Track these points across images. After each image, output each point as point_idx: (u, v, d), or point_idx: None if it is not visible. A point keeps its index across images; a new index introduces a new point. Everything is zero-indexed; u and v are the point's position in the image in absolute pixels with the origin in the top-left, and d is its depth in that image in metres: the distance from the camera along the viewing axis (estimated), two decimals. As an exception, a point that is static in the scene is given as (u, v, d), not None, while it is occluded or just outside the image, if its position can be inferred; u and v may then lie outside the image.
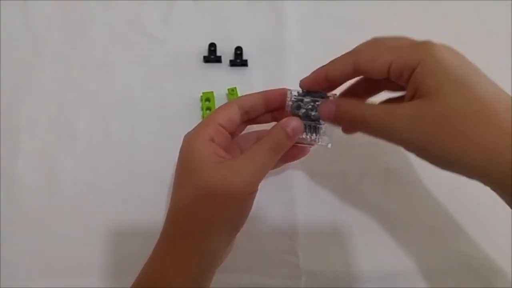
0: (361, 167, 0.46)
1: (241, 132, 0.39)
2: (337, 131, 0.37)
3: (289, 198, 0.45)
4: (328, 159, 0.46)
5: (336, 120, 0.34)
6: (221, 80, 0.49)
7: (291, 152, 0.36)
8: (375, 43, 0.34)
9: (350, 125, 0.34)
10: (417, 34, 0.53)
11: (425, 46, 0.30)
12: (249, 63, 0.50)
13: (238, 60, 0.50)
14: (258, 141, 0.34)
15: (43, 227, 0.43)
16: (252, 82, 0.49)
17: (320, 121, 0.35)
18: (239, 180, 0.32)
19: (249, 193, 0.33)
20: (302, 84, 0.36)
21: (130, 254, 0.42)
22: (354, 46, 0.46)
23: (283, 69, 0.50)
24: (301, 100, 0.36)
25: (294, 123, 0.34)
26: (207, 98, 0.48)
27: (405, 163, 0.46)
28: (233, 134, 0.37)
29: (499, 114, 0.28)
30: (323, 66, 0.35)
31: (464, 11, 0.54)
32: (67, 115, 0.48)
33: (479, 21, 0.53)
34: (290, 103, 0.36)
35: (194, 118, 0.48)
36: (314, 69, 0.49)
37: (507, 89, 0.51)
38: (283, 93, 0.37)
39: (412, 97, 0.30)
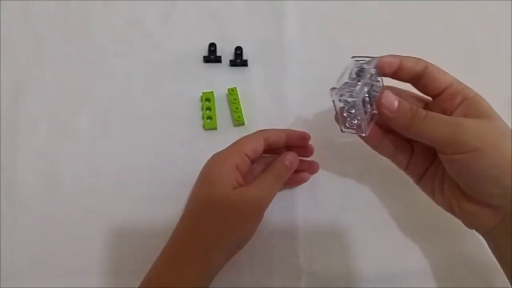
0: (361, 167, 0.46)
1: (259, 159, 0.43)
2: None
3: (289, 198, 0.45)
4: (328, 159, 0.46)
5: (394, 115, 0.34)
6: (221, 80, 0.49)
7: (294, 179, 0.43)
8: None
9: (406, 124, 0.34)
10: (417, 34, 0.53)
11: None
12: (249, 63, 0.50)
13: (238, 60, 0.50)
14: (264, 173, 0.40)
15: (43, 227, 0.43)
16: (252, 82, 0.49)
17: (367, 109, 0.34)
18: (249, 206, 0.37)
19: (256, 217, 0.38)
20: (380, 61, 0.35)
21: (130, 254, 0.43)
22: (354, 46, 0.46)
23: (283, 69, 0.50)
24: (363, 71, 0.34)
25: (290, 157, 0.40)
26: (207, 98, 0.48)
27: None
28: (253, 161, 0.41)
29: None
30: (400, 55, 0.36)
31: (464, 11, 0.54)
32: (67, 115, 0.48)
33: (479, 21, 0.53)
34: (356, 68, 0.34)
35: (194, 118, 0.48)
36: (314, 69, 0.50)
37: (508, 89, 0.51)
38: (303, 136, 0.43)
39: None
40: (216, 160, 0.39)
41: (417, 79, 0.36)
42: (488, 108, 0.34)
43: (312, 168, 0.44)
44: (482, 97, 0.34)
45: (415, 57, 0.36)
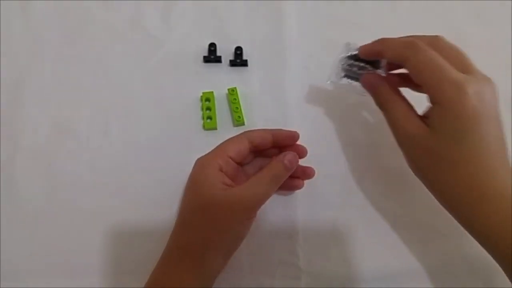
0: (361, 167, 0.46)
1: (249, 160, 0.43)
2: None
3: (289, 198, 0.45)
4: (328, 159, 0.46)
5: (372, 95, 0.39)
6: (221, 80, 0.49)
7: (288, 184, 0.41)
8: (427, 51, 0.34)
9: (376, 103, 0.39)
10: (417, 34, 0.53)
11: (458, 90, 0.32)
12: (249, 63, 0.50)
13: (238, 60, 0.50)
14: (260, 172, 0.38)
15: (43, 227, 0.43)
16: (252, 82, 0.49)
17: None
18: (240, 206, 0.36)
19: (247, 219, 0.37)
20: (363, 52, 0.39)
21: (130, 254, 0.43)
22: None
23: (283, 69, 0.50)
24: (354, 59, 0.40)
25: (290, 156, 0.39)
26: (207, 98, 0.48)
27: (405, 163, 0.46)
28: (241, 163, 0.41)
29: (477, 168, 0.32)
30: (384, 42, 0.38)
31: (464, 11, 0.54)
32: (67, 115, 0.48)
33: (479, 21, 0.53)
34: (345, 60, 0.40)
35: (194, 118, 0.48)
36: (314, 69, 0.50)
37: (508, 89, 0.51)
38: (291, 135, 0.41)
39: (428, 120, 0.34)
40: (199, 165, 0.39)
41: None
42: (450, 126, 0.33)
43: (306, 174, 0.43)
44: (454, 107, 0.32)
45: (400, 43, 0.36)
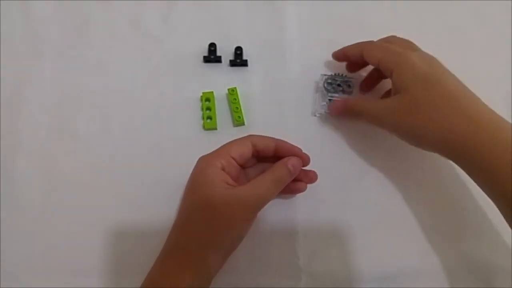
0: (361, 167, 0.46)
1: (251, 164, 0.43)
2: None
3: (289, 198, 0.45)
4: (328, 159, 0.46)
5: (344, 113, 0.45)
6: (221, 80, 0.49)
7: (290, 188, 0.41)
8: (378, 42, 0.43)
9: (353, 117, 0.44)
10: (417, 33, 0.53)
11: (401, 55, 0.40)
12: (249, 63, 0.50)
13: (238, 60, 0.50)
14: (263, 174, 0.38)
15: (43, 227, 0.43)
16: (252, 82, 0.49)
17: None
18: (240, 206, 0.36)
19: (247, 219, 0.38)
20: (333, 56, 0.48)
21: (130, 254, 0.43)
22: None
23: (283, 69, 0.50)
24: (332, 81, 0.48)
25: (294, 161, 0.39)
26: (207, 98, 0.48)
27: (405, 163, 0.46)
28: (243, 165, 0.41)
29: (459, 101, 0.37)
30: (345, 50, 0.46)
31: (464, 11, 0.54)
32: (67, 115, 0.48)
33: (479, 21, 0.53)
34: (325, 84, 0.47)
35: (194, 118, 0.48)
36: (314, 69, 0.50)
37: (507, 88, 0.51)
38: (293, 150, 0.41)
39: (394, 92, 0.40)
40: (201, 164, 0.39)
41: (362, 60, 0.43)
42: (403, 82, 0.39)
43: (308, 177, 0.43)
44: (403, 67, 0.39)
45: (357, 44, 0.45)
